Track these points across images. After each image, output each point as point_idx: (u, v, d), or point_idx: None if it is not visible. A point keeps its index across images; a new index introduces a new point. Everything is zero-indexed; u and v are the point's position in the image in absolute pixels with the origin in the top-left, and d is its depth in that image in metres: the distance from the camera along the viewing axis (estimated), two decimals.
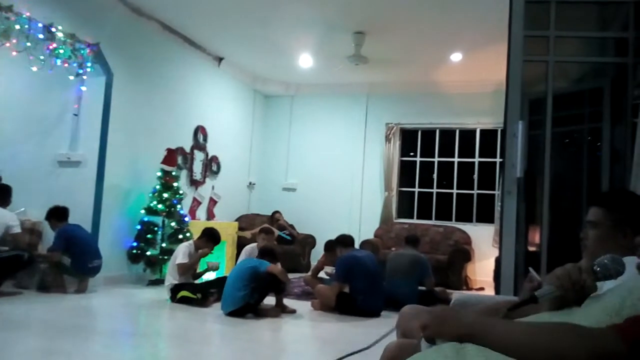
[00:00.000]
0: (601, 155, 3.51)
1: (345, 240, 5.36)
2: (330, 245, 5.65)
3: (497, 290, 3.69)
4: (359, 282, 4.86)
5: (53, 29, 4.88)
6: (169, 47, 6.71)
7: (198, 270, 5.34)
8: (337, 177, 8.70)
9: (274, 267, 4.60)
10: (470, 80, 7.77)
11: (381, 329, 2.28)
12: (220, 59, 7.77)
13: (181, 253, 5.04)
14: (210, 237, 5.23)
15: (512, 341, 0.89)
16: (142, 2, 5.92)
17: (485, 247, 7.57)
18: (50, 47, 4.87)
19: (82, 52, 5.16)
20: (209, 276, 5.46)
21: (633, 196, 1.65)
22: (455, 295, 2.64)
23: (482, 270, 7.59)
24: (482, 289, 7.25)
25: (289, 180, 9.05)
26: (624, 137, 3.25)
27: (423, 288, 5.49)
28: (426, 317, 1.02)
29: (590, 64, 3.80)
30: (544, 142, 3.31)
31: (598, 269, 1.13)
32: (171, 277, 5.02)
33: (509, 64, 3.32)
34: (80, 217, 5.28)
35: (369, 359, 1.91)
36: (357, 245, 6.26)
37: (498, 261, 3.67)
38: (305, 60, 7.58)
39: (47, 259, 5.04)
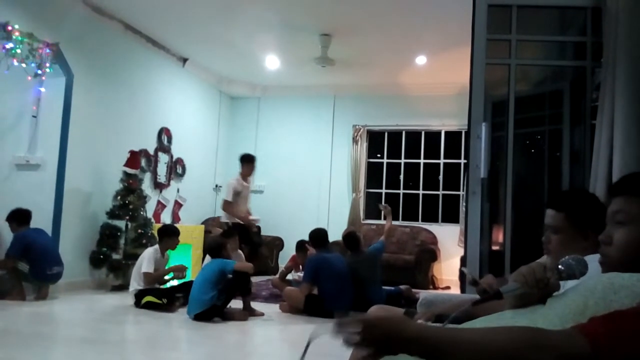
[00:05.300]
0: (561, 156, 3.61)
1: (316, 238, 5.24)
2: (302, 245, 5.65)
3: (463, 289, 3.75)
4: (327, 283, 4.85)
5: (9, 28, 4.69)
6: (132, 47, 6.56)
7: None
8: (304, 179, 8.68)
9: (241, 265, 4.61)
10: (435, 82, 7.88)
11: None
12: (184, 60, 7.66)
13: (146, 260, 4.92)
14: (168, 234, 5.12)
15: (470, 354, 0.82)
16: (104, 2, 5.77)
17: (450, 246, 7.68)
18: (7, 46, 4.70)
19: (40, 52, 5.00)
20: (175, 282, 5.37)
21: (591, 198, 1.68)
22: (422, 294, 2.66)
23: (448, 269, 7.71)
24: (448, 287, 7.36)
25: (256, 182, 8.97)
26: (583, 139, 3.35)
27: (390, 288, 5.53)
28: (362, 328, 0.85)
29: (551, 67, 3.91)
30: (506, 144, 3.38)
31: (562, 268, 1.15)
32: (135, 283, 4.91)
33: (473, 67, 3.38)
34: (39, 221, 5.11)
35: None
36: None
37: (463, 260, 3.73)
38: (272, 62, 7.54)
39: (3, 265, 4.87)
